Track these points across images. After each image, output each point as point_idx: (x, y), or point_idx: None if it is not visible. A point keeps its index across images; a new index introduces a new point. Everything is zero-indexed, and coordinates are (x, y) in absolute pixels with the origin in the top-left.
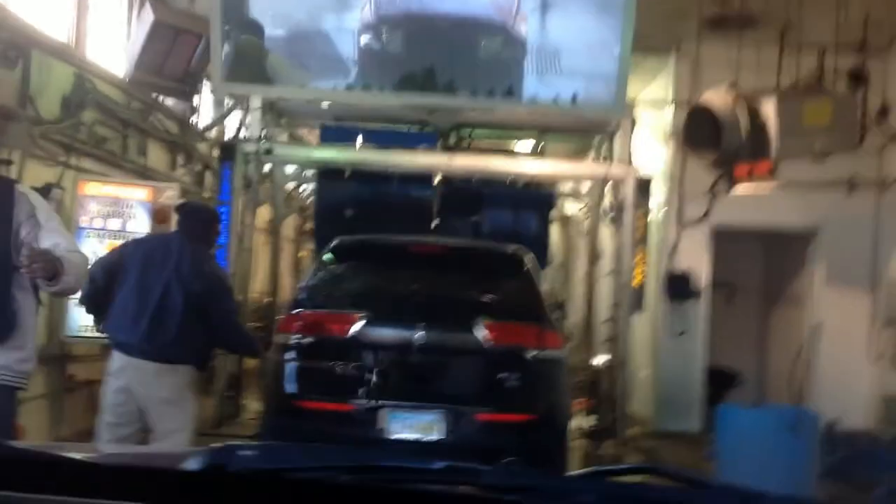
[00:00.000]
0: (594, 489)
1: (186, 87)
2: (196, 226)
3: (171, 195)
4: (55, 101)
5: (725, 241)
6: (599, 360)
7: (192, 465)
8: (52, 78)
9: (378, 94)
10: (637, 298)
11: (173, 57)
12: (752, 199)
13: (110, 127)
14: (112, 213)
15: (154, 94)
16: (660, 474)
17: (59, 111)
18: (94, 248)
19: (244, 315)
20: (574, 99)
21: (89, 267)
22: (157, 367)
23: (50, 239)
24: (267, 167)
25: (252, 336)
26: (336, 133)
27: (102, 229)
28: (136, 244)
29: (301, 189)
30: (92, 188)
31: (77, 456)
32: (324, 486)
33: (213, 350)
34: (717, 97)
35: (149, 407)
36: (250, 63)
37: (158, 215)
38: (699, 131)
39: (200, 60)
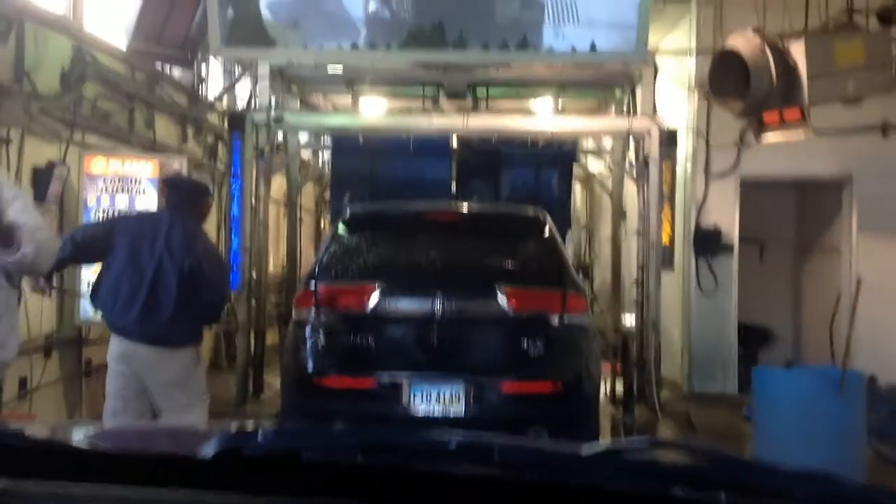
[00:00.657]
0: (606, 465)
1: (188, 55)
2: (184, 200)
3: (178, 168)
4: (53, 75)
5: (753, 193)
6: (628, 321)
7: (207, 449)
8: (48, 51)
9: (385, 54)
10: (666, 256)
11: (172, 23)
12: (781, 147)
13: (115, 100)
14: (119, 190)
15: (156, 64)
16: (676, 448)
17: (58, 85)
18: None
19: (262, 290)
20: (593, 47)
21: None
22: (159, 351)
23: (16, 218)
24: (280, 136)
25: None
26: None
27: (111, 207)
28: (125, 220)
29: (318, 157)
30: (97, 165)
31: (90, 442)
32: (340, 467)
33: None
34: (742, 41)
35: (154, 390)
36: (251, 25)
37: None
38: (725, 78)
39: (201, 26)
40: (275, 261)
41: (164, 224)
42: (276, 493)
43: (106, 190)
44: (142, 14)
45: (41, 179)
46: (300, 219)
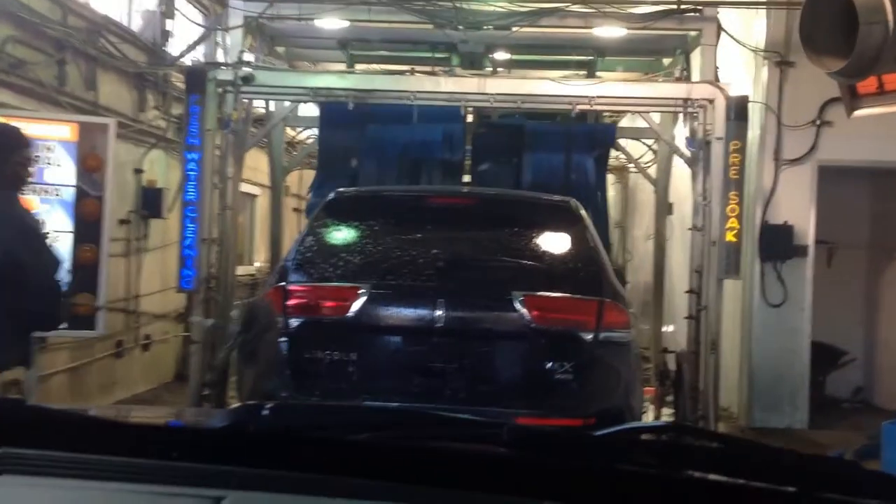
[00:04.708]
0: (620, 446)
1: None
2: None
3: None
4: None
5: (823, 185)
6: (669, 334)
7: (211, 424)
8: None
9: None
10: (731, 259)
11: None
12: (868, 126)
13: (35, 48)
14: None
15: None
16: (687, 432)
17: None
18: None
19: (227, 289)
20: None
21: None
22: None
23: None
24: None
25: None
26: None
27: None
28: None
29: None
30: None
31: (94, 414)
32: (346, 444)
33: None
34: None
35: None
36: None
37: (89, 160)
38: (820, 27)
39: None
40: (258, 257)
41: None
42: (283, 467)
43: None
44: None
45: None
46: (299, 209)
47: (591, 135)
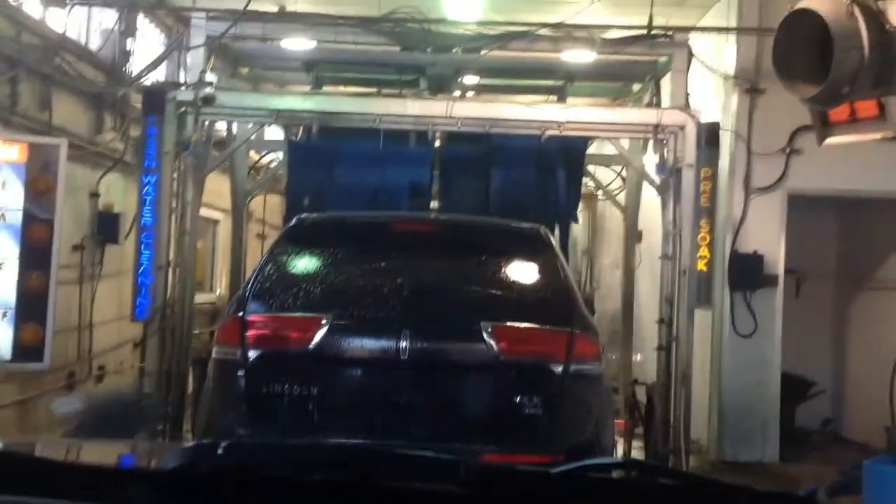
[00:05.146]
0: (577, 483)
1: None
2: None
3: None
4: None
5: (792, 213)
6: (637, 364)
7: (165, 464)
8: None
9: None
10: (703, 289)
11: None
12: (840, 155)
13: None
14: None
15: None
16: (643, 469)
17: None
18: None
19: (185, 319)
20: None
21: None
22: None
23: None
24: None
25: None
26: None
27: None
28: None
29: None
30: None
31: (50, 456)
32: (299, 484)
33: None
34: (822, 2)
35: None
36: None
37: (38, 182)
38: (794, 51)
39: None
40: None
41: None
42: None
43: None
44: None
45: None
46: (263, 235)
47: (562, 148)
